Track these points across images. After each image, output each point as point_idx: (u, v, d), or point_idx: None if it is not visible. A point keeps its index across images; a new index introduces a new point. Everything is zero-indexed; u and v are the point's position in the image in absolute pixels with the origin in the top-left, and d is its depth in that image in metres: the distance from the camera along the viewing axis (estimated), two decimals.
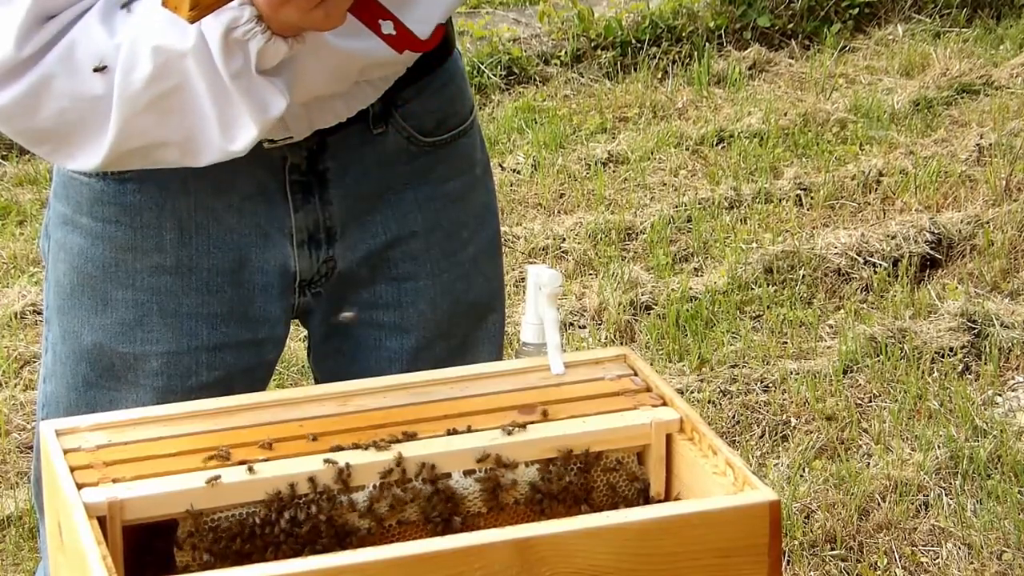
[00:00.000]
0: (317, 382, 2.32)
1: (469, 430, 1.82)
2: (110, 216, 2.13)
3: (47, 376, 2.24)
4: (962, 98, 6.09)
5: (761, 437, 4.04)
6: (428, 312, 2.24)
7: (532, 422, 1.83)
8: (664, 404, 1.87)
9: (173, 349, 2.15)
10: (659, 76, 6.34)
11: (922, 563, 3.58)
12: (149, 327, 2.15)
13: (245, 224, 2.14)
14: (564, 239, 5.02)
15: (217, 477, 1.72)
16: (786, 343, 4.43)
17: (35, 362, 4.35)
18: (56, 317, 2.21)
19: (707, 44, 6.49)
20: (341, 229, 2.17)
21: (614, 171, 5.55)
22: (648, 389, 1.90)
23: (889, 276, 4.74)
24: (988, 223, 4.98)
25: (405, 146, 2.18)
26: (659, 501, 1.84)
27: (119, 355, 2.16)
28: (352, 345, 2.25)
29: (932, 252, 4.86)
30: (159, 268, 2.13)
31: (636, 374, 1.94)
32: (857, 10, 6.78)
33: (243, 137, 1.89)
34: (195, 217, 2.12)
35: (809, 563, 3.58)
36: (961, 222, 4.99)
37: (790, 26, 6.71)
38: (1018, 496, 3.74)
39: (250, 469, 1.73)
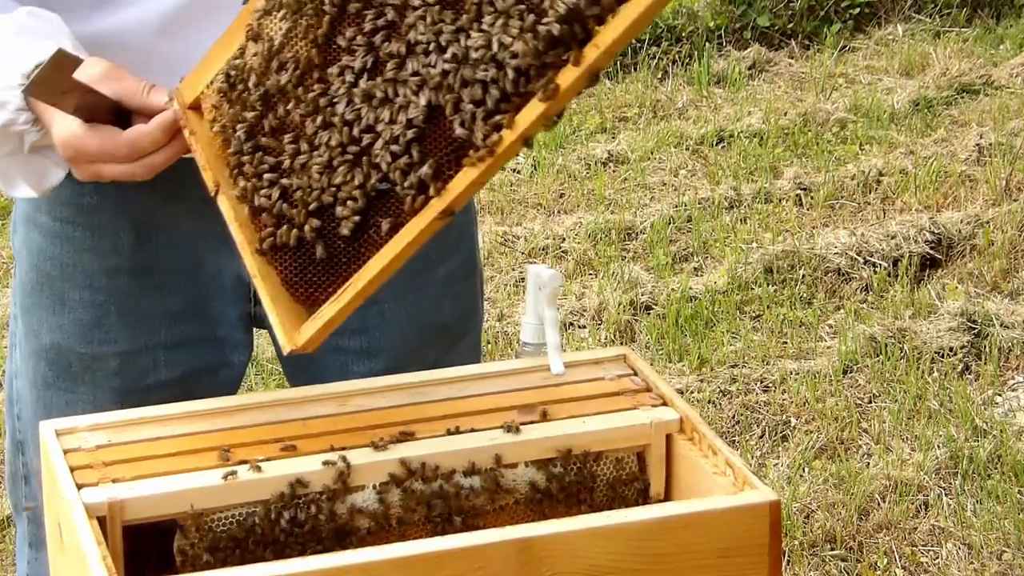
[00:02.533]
0: None
1: (469, 430, 1.82)
2: (68, 216, 2.12)
3: (16, 372, 2.24)
4: (962, 98, 6.09)
5: (761, 437, 4.04)
6: (395, 335, 2.21)
7: (532, 422, 1.83)
8: (664, 404, 1.87)
9: (130, 348, 2.15)
10: (659, 76, 6.34)
11: (922, 563, 3.59)
12: (107, 328, 2.14)
13: (202, 228, 2.11)
14: (564, 239, 5.02)
15: (233, 473, 1.72)
16: (786, 343, 4.43)
17: None
18: (21, 315, 2.21)
19: (707, 44, 6.49)
20: None
21: (614, 171, 5.55)
22: (648, 389, 1.90)
23: (889, 276, 4.74)
24: (988, 223, 4.98)
25: None
26: (659, 501, 1.84)
27: (77, 355, 2.15)
28: (318, 369, 2.22)
29: (932, 252, 4.86)
30: (116, 270, 2.13)
31: (636, 374, 1.94)
32: (857, 10, 6.79)
33: (22, 192, 1.99)
34: (152, 220, 2.11)
35: (809, 563, 3.58)
36: (961, 222, 4.99)
37: (790, 26, 6.71)
38: (1018, 496, 3.74)
39: (250, 469, 1.73)
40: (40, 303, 2.16)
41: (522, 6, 1.69)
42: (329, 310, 1.82)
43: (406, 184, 1.74)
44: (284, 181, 1.81)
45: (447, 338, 2.26)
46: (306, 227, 1.80)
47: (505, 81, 1.70)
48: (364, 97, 1.77)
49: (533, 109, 1.69)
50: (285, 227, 1.81)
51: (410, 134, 1.74)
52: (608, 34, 1.66)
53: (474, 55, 1.71)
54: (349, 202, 1.77)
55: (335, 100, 1.78)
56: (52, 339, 2.16)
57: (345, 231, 1.79)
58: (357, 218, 1.78)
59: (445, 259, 2.24)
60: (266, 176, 1.81)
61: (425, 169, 1.74)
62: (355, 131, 1.77)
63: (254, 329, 2.24)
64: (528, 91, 1.69)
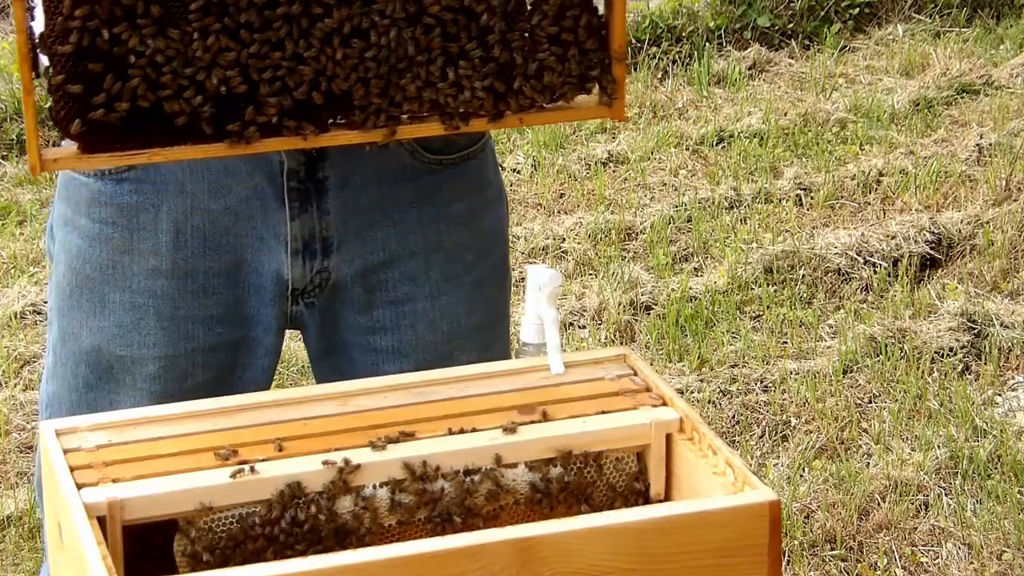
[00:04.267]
0: None
1: (470, 430, 1.82)
2: (107, 217, 2.12)
3: (48, 377, 2.24)
4: (962, 98, 6.09)
5: (761, 437, 4.04)
6: (427, 335, 2.21)
7: (532, 422, 1.83)
8: (664, 404, 1.87)
9: (170, 353, 2.15)
10: (659, 76, 6.34)
11: (922, 563, 3.59)
12: (146, 330, 2.14)
13: (241, 227, 2.13)
14: (564, 239, 5.02)
15: (234, 473, 1.72)
16: (786, 343, 4.44)
17: (35, 362, 4.35)
18: (56, 318, 2.21)
19: (707, 44, 6.49)
20: (338, 241, 2.15)
21: (614, 171, 5.55)
22: (648, 389, 1.90)
23: (889, 276, 4.74)
24: (988, 223, 4.98)
25: (409, 162, 2.15)
26: (659, 501, 1.84)
27: (117, 358, 2.15)
28: (349, 367, 2.23)
29: (932, 252, 4.86)
30: (155, 271, 2.13)
31: (636, 374, 1.94)
32: (857, 10, 6.79)
33: None
34: (191, 219, 2.12)
35: (809, 563, 3.58)
36: (961, 222, 4.99)
37: (790, 26, 6.71)
38: (1018, 496, 3.74)
39: (251, 469, 1.74)
40: (79, 306, 2.16)
41: (490, 66, 1.88)
42: (104, 162, 1.84)
43: (284, 124, 1.84)
44: (143, 45, 1.79)
45: (478, 342, 2.26)
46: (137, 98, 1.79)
47: (423, 103, 1.88)
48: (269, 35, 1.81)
49: (431, 129, 1.90)
50: (115, 87, 1.79)
51: (305, 88, 1.84)
52: (533, 120, 1.94)
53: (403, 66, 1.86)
54: (200, 96, 1.81)
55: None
56: (92, 341, 2.16)
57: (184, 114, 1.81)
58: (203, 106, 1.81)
59: (479, 262, 2.24)
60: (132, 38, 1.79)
61: (311, 127, 1.85)
62: (253, 49, 1.81)
63: (286, 331, 2.24)
64: (433, 118, 1.89)
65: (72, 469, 1.73)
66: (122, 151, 1.82)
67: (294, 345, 4.19)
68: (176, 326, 2.15)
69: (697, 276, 4.81)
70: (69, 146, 1.82)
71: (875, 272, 4.75)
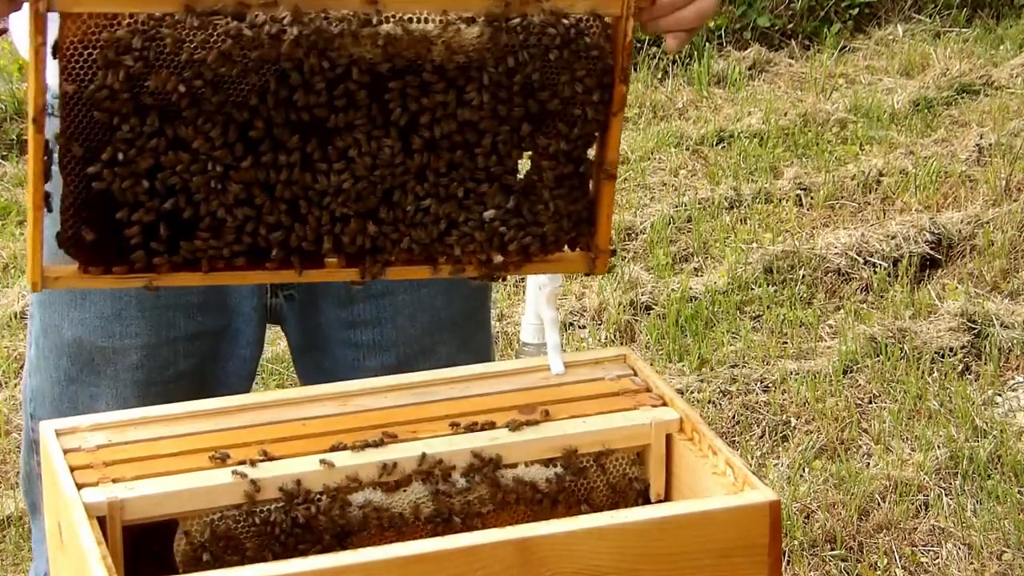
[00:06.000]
0: None
1: (469, 430, 1.82)
2: None
3: (32, 371, 2.25)
4: (962, 98, 6.09)
5: (761, 437, 4.04)
6: (407, 327, 2.22)
7: (532, 422, 1.84)
8: (664, 404, 1.87)
9: (152, 342, 2.16)
10: (659, 76, 6.34)
11: (922, 563, 3.59)
12: (127, 321, 2.15)
13: None
14: None
15: (234, 473, 1.72)
16: (786, 343, 4.43)
17: None
18: (38, 311, 2.22)
19: (707, 44, 6.49)
20: None
21: None
22: (648, 389, 1.91)
23: (889, 276, 4.74)
24: (988, 223, 4.98)
25: None
26: (659, 501, 1.84)
27: (99, 349, 2.16)
28: (331, 362, 2.24)
29: (932, 252, 4.86)
30: None
31: (636, 374, 1.94)
32: (857, 10, 6.79)
33: None
34: None
35: (809, 563, 3.58)
36: (961, 222, 4.99)
37: (790, 26, 6.71)
38: (1018, 496, 3.74)
39: (250, 469, 1.73)
40: (60, 298, 2.17)
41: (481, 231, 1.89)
42: (106, 283, 1.84)
43: (273, 254, 1.86)
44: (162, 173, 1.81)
45: (458, 334, 2.27)
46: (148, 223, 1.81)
47: (419, 242, 1.89)
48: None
49: (419, 272, 1.91)
50: (132, 211, 1.81)
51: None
52: (526, 270, 1.92)
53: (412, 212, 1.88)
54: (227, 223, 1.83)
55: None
56: (74, 334, 2.17)
57: (226, 249, 1.84)
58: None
59: None
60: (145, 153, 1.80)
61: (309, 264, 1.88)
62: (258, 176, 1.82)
63: (267, 326, 2.24)
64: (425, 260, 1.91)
65: (72, 469, 1.73)
66: (121, 274, 1.84)
67: None
68: (158, 315, 2.15)
69: (697, 276, 4.81)
70: (70, 265, 1.84)
71: (875, 272, 4.75)
